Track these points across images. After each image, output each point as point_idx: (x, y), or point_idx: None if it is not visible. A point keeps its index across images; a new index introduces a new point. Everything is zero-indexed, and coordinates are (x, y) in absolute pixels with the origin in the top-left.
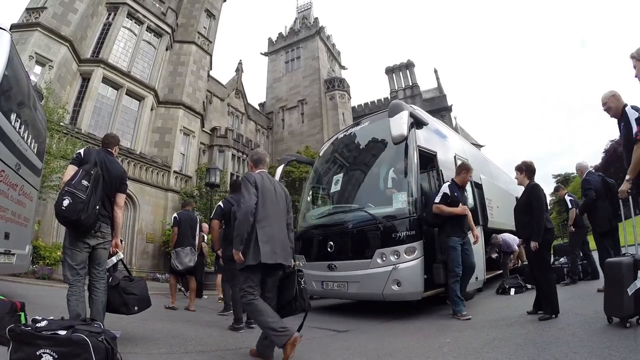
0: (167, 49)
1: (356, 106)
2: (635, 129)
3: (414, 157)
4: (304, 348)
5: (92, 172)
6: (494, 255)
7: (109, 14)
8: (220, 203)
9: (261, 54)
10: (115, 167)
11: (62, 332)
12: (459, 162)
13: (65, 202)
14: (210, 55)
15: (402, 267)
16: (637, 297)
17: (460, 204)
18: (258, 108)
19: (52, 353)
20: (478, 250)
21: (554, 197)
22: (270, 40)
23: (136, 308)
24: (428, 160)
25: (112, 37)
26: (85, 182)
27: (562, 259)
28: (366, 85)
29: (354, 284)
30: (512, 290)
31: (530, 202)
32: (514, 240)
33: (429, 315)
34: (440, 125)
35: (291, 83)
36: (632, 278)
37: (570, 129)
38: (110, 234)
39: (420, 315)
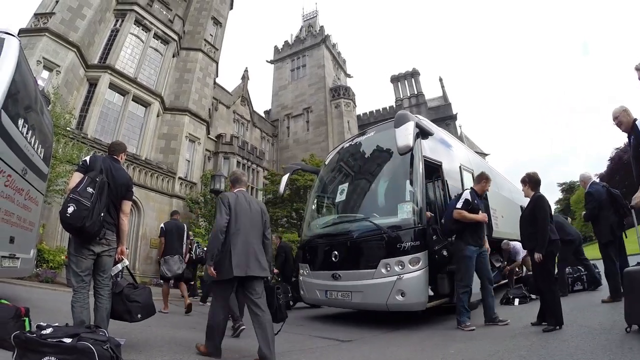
0: (173, 56)
1: (361, 114)
2: None
3: (420, 168)
4: (307, 358)
5: (97, 179)
6: (498, 264)
7: (117, 21)
8: None
9: (267, 61)
10: (121, 175)
11: (67, 340)
12: (464, 173)
13: (70, 209)
14: (217, 63)
15: (407, 277)
16: None
17: (480, 212)
18: (263, 115)
19: None
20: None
21: (558, 205)
22: (276, 48)
23: (139, 316)
24: (433, 170)
25: (119, 44)
26: (90, 190)
27: (567, 269)
28: (371, 93)
29: (358, 294)
30: (516, 301)
31: (535, 214)
32: (520, 249)
33: (433, 326)
34: (445, 135)
35: (297, 91)
36: None
37: (572, 131)
38: (115, 241)
39: (424, 325)
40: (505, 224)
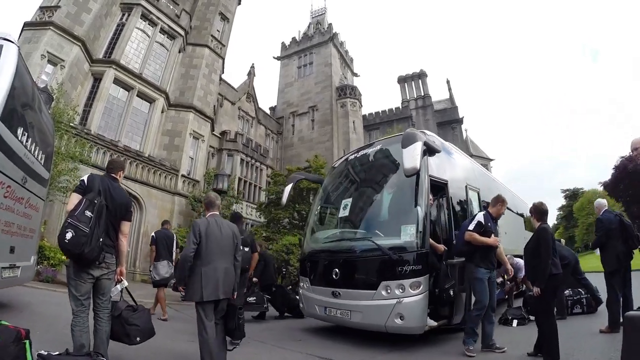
0: (179, 52)
1: (367, 115)
2: None
3: (425, 188)
4: None
5: (95, 201)
6: (499, 280)
7: (123, 15)
8: None
9: (274, 58)
10: (119, 195)
11: None
12: (470, 192)
13: (68, 235)
14: (223, 59)
15: (406, 301)
16: None
17: (493, 236)
18: (269, 112)
19: None
20: None
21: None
22: (283, 44)
23: (138, 339)
24: (439, 189)
25: (125, 38)
26: (88, 213)
27: (566, 291)
28: (378, 93)
29: (357, 314)
30: (515, 322)
31: (538, 246)
32: (522, 266)
33: (430, 347)
34: (452, 149)
35: (303, 89)
36: None
37: (572, 133)
38: (114, 263)
39: (422, 346)
40: (509, 240)
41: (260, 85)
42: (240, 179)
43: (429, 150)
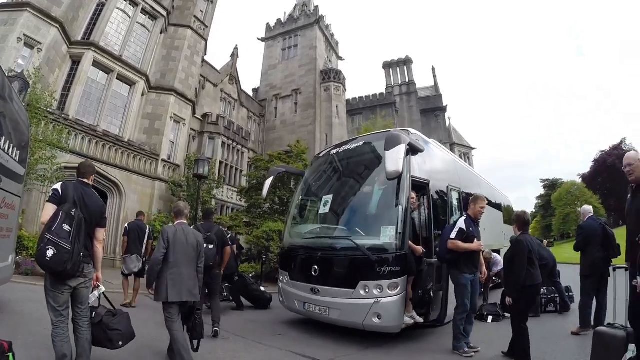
0: (161, 33)
1: (351, 99)
2: None
3: (406, 189)
4: None
5: (72, 213)
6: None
7: None
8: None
9: (258, 39)
10: (94, 202)
11: None
12: (452, 193)
13: (50, 253)
14: (206, 41)
15: (384, 301)
16: None
17: (475, 240)
18: (251, 94)
19: None
20: None
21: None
22: (268, 25)
23: (120, 343)
24: (420, 188)
25: (104, 19)
26: (66, 227)
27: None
28: (362, 77)
29: (336, 311)
30: (490, 318)
31: (514, 257)
32: (499, 262)
33: (407, 344)
34: (435, 147)
35: (287, 71)
36: (622, 351)
37: (559, 116)
38: (92, 272)
39: (398, 343)
40: (488, 235)
41: (243, 67)
42: (221, 162)
43: (412, 150)
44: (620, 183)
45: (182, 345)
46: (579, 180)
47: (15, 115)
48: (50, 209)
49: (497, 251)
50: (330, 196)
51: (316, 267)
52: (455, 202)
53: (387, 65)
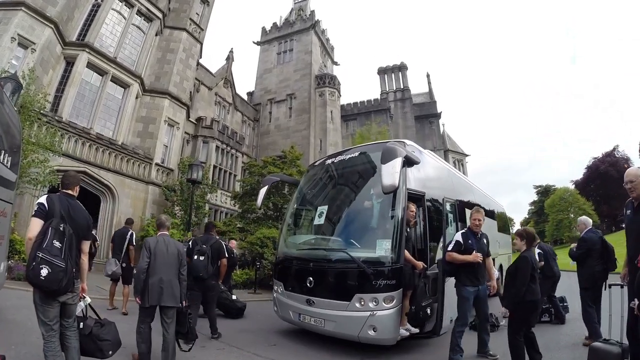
0: (156, 35)
1: (345, 105)
2: None
3: (402, 202)
4: None
5: (61, 228)
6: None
7: None
8: (189, 242)
9: (254, 42)
10: (80, 215)
11: None
12: (446, 205)
13: (44, 272)
14: (201, 44)
15: (380, 314)
16: None
17: (474, 252)
18: (246, 98)
19: None
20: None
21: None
22: (264, 29)
23: (110, 352)
24: (416, 200)
25: (99, 20)
26: (57, 244)
27: None
28: (357, 83)
29: (331, 323)
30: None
31: (516, 272)
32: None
33: (404, 355)
34: (430, 158)
35: (282, 76)
36: None
37: (557, 115)
38: (79, 287)
39: (394, 354)
40: None
41: (239, 70)
42: (215, 167)
43: (408, 163)
44: (612, 189)
45: (145, 345)
46: (571, 186)
47: (5, 118)
48: (37, 224)
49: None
50: (326, 207)
51: (311, 278)
52: (450, 214)
53: (382, 71)
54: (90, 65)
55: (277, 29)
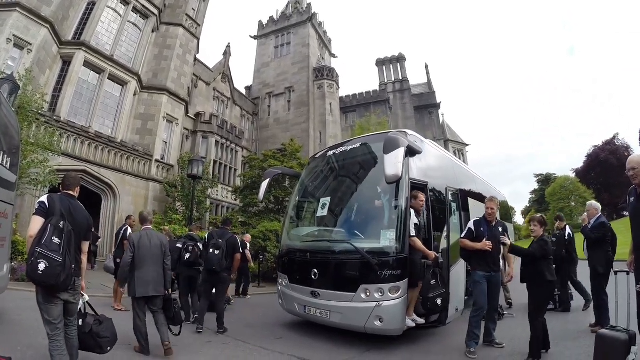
0: (153, 31)
1: (344, 97)
2: None
3: (405, 191)
4: None
5: (60, 225)
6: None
7: None
8: (206, 236)
9: (251, 37)
10: (81, 215)
11: None
12: (449, 194)
13: (42, 267)
14: (198, 39)
15: (386, 305)
16: None
17: (485, 239)
18: (244, 92)
19: None
20: (459, 277)
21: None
22: (260, 23)
23: (109, 348)
24: (419, 190)
25: (95, 18)
26: (56, 240)
27: None
28: (356, 75)
29: (337, 314)
30: None
31: (537, 255)
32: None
33: (411, 345)
34: (432, 148)
35: (279, 69)
36: (625, 354)
37: (555, 109)
38: (80, 285)
39: (402, 344)
40: None
41: (236, 65)
42: (215, 162)
43: (411, 152)
44: (612, 177)
45: (142, 331)
46: (572, 175)
47: (3, 119)
48: (38, 222)
49: None
50: (328, 198)
51: (316, 270)
52: (453, 203)
53: (380, 63)
54: (87, 64)
55: (274, 23)
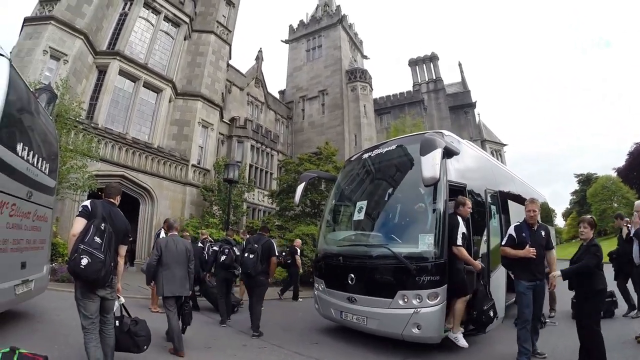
0: (185, 39)
1: (378, 98)
2: None
3: (443, 194)
4: None
5: (102, 227)
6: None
7: (125, 4)
8: (244, 241)
9: (282, 41)
10: (120, 220)
11: None
12: (488, 196)
13: (84, 262)
14: (230, 45)
15: (424, 312)
16: None
17: (528, 246)
18: (278, 97)
19: None
20: (499, 283)
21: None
22: (291, 27)
23: (145, 347)
24: (457, 192)
25: (128, 28)
26: (98, 240)
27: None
28: (388, 75)
29: (374, 321)
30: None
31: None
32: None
33: (449, 354)
34: (469, 148)
35: (312, 72)
36: None
37: (565, 108)
38: (116, 283)
39: (440, 352)
40: None
41: (268, 69)
42: (251, 166)
43: (448, 154)
44: None
45: (176, 331)
46: (614, 174)
47: (42, 127)
48: (80, 223)
49: None
50: (365, 202)
51: (352, 275)
52: (492, 205)
53: (413, 63)
54: (122, 73)
55: (304, 27)
